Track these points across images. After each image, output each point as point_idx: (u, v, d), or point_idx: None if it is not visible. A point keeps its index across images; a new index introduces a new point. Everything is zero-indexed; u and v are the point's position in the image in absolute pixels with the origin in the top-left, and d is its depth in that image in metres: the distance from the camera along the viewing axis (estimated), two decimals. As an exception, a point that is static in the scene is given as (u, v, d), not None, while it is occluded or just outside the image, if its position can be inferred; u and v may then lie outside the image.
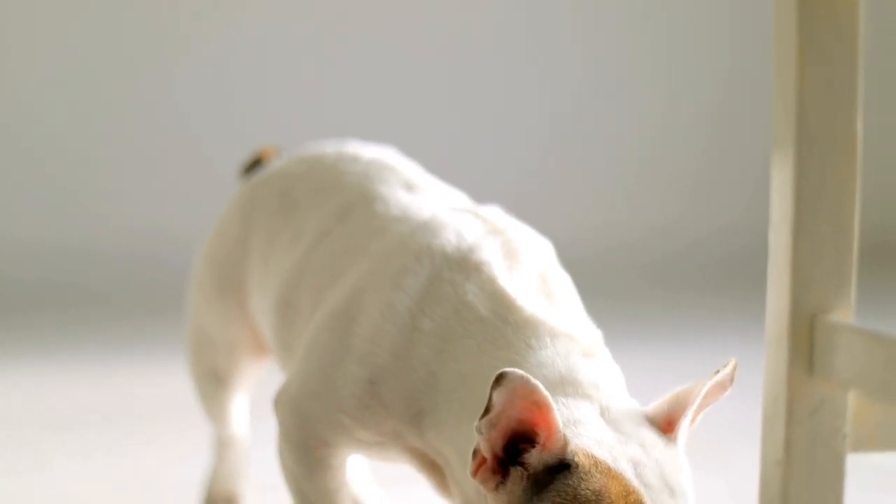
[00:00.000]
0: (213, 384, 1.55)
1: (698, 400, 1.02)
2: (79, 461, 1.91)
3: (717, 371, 1.02)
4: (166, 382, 2.42)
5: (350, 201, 1.32)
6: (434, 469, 1.18)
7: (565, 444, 0.98)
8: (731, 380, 1.03)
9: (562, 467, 0.98)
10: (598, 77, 4.48)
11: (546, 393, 0.97)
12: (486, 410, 0.98)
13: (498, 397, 0.97)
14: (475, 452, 1.01)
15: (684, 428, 1.04)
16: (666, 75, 4.51)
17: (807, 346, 0.95)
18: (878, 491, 1.82)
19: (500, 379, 0.96)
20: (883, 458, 1.93)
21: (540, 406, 0.97)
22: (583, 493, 0.98)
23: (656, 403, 1.06)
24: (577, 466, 0.98)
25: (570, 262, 1.31)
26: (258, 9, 4.20)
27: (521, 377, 0.97)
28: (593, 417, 1.02)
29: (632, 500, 0.98)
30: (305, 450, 1.19)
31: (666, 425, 1.04)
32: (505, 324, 1.10)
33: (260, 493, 1.71)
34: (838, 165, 0.95)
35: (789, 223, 0.94)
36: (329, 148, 1.48)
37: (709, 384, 1.01)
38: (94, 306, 3.31)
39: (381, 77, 4.21)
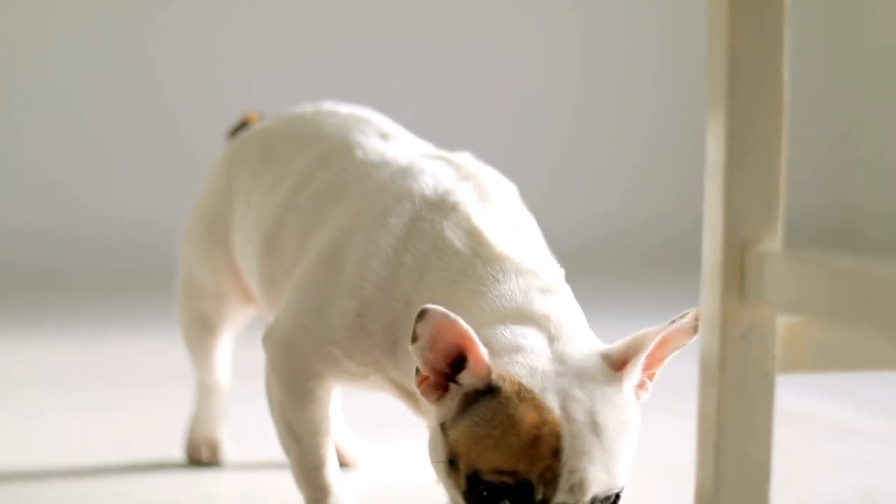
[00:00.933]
0: (200, 330, 1.64)
1: (652, 344, 1.11)
2: (73, 415, 2.00)
3: (674, 321, 1.10)
4: (155, 350, 2.54)
5: (330, 149, 1.42)
6: (411, 396, 1.27)
7: (489, 372, 1.08)
8: (695, 329, 1.11)
9: (488, 391, 1.07)
10: (595, 68, 4.55)
11: (465, 325, 1.07)
12: (413, 339, 1.07)
13: (421, 329, 1.07)
14: (418, 370, 1.11)
15: (635, 368, 1.12)
16: (660, 68, 4.56)
17: (738, 274, 1.03)
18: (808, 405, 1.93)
19: (422, 314, 1.08)
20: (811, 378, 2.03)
21: (463, 337, 1.07)
22: (499, 416, 1.07)
23: (617, 343, 1.15)
24: (499, 392, 1.07)
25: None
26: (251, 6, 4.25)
27: (442, 313, 1.07)
28: (538, 347, 1.11)
29: (546, 430, 1.06)
30: (295, 382, 1.29)
31: (620, 364, 1.12)
32: (477, 258, 1.20)
33: (240, 441, 1.80)
34: (767, 112, 1.03)
35: (722, 164, 1.03)
36: (308, 107, 1.57)
37: (666, 330, 1.10)
38: (92, 287, 3.53)
39: (375, 70, 4.27)
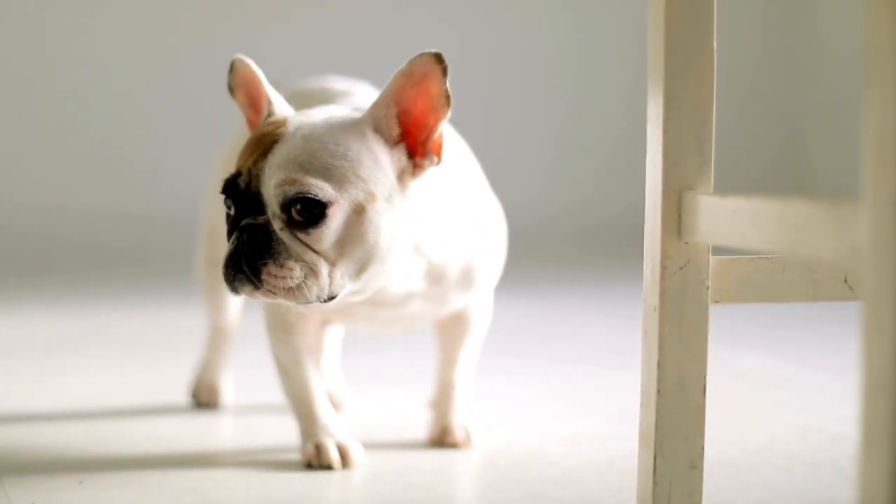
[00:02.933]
0: (214, 272, 1.81)
1: (387, 96, 1.32)
2: (91, 371, 2.19)
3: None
4: (163, 318, 2.82)
5: None
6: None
7: (270, 102, 1.36)
8: (427, 72, 1.28)
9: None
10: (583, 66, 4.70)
11: (258, 71, 1.36)
12: (231, 92, 1.38)
13: (233, 81, 1.38)
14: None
15: (374, 112, 1.33)
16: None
17: (675, 215, 1.20)
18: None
19: (231, 66, 1.38)
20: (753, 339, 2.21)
21: (256, 81, 1.37)
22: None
23: None
24: (270, 114, 1.36)
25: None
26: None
27: (242, 61, 1.38)
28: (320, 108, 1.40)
29: (260, 139, 1.33)
30: (275, 318, 1.46)
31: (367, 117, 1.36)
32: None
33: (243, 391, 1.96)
34: (698, 72, 1.20)
35: (660, 119, 1.19)
36: (310, 83, 1.75)
37: (395, 80, 1.30)
38: (101, 262, 3.82)
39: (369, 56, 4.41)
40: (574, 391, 2.07)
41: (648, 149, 1.22)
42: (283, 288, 1.26)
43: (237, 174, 1.30)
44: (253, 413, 1.84)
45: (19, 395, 1.96)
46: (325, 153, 1.28)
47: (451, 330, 1.59)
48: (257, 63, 1.36)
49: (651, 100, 1.21)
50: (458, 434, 1.59)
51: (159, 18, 4.38)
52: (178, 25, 4.40)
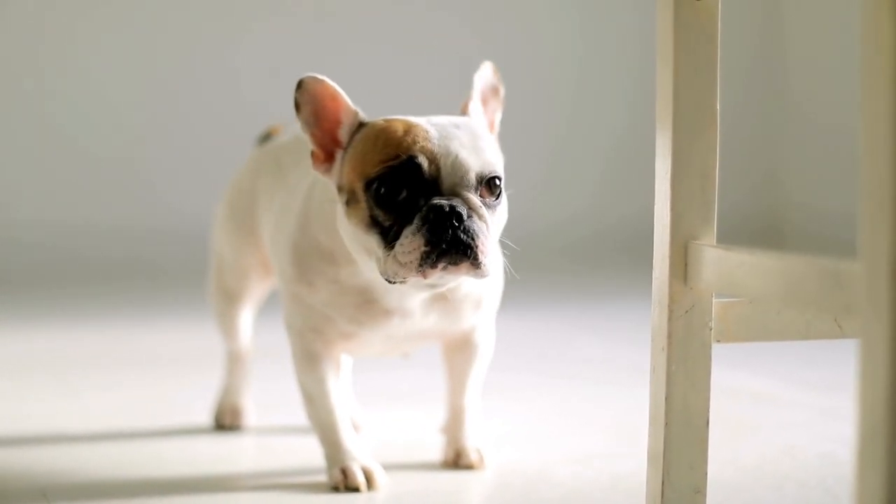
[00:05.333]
0: (225, 300, 1.92)
1: (474, 93, 1.49)
2: (111, 390, 2.28)
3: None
4: (185, 336, 2.94)
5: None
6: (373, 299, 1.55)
7: (355, 113, 1.42)
8: (495, 80, 1.51)
9: (358, 130, 1.44)
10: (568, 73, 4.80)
11: (333, 84, 1.41)
12: (296, 109, 1.42)
13: (301, 98, 1.42)
14: (313, 154, 1.45)
15: (473, 107, 1.49)
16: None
17: (682, 263, 1.31)
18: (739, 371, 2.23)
19: (299, 85, 1.42)
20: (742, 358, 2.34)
21: (333, 96, 1.42)
22: (372, 131, 1.42)
23: None
24: (367, 122, 1.43)
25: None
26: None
27: (314, 78, 1.42)
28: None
29: (414, 126, 1.40)
30: (301, 348, 1.58)
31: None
32: None
33: (262, 410, 2.07)
34: (703, 133, 1.31)
35: (668, 175, 1.30)
36: None
37: (477, 82, 1.49)
38: (120, 278, 3.98)
39: (368, 72, 4.50)
40: (574, 408, 2.19)
41: (656, 201, 1.33)
42: (486, 263, 1.36)
43: (412, 160, 1.36)
44: (275, 434, 1.94)
45: (50, 414, 2.06)
46: (485, 142, 1.43)
47: (459, 357, 1.70)
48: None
49: (659, 156, 1.32)
50: (472, 456, 1.70)
51: (162, 31, 4.46)
52: (178, 38, 4.47)
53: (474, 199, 1.37)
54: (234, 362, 2.00)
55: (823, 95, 4.74)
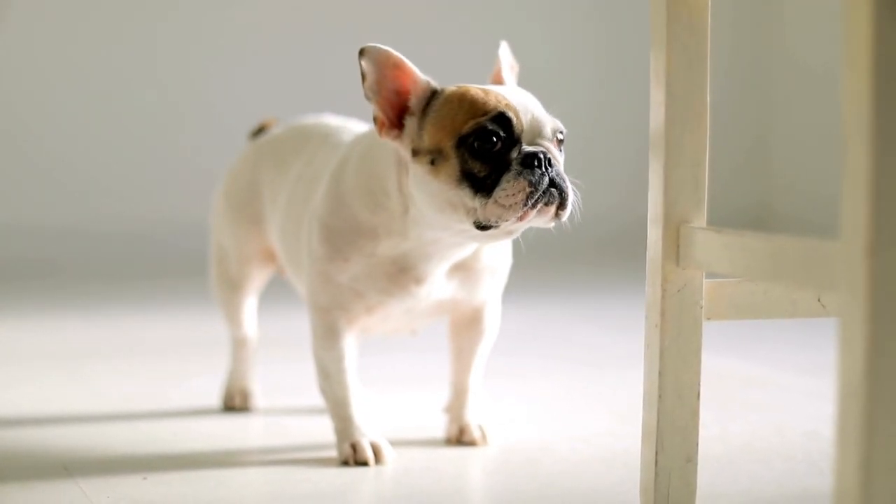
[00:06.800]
0: (228, 289, 2.00)
1: (503, 63, 1.64)
2: (124, 376, 2.37)
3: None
4: (191, 325, 3.05)
5: (314, 151, 1.80)
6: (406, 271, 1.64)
7: (427, 82, 1.52)
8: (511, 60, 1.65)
9: (433, 97, 1.52)
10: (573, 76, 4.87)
11: (397, 53, 1.49)
12: (363, 78, 1.49)
13: (366, 65, 1.49)
14: (375, 119, 1.52)
15: (507, 77, 1.64)
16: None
17: (674, 245, 1.39)
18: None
19: (362, 52, 1.49)
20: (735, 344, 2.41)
21: (398, 66, 1.50)
22: (453, 96, 1.52)
23: None
24: (443, 90, 1.52)
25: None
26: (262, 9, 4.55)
27: (377, 47, 1.49)
28: None
29: (494, 91, 1.52)
30: (322, 322, 1.65)
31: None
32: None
33: (269, 394, 2.14)
34: (694, 123, 1.39)
35: (661, 161, 1.38)
36: (308, 120, 1.95)
37: (502, 56, 1.63)
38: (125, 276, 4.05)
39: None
40: (575, 391, 2.27)
41: (651, 187, 1.41)
42: (570, 207, 1.51)
43: (502, 115, 1.48)
44: (284, 415, 2.02)
45: (68, 398, 2.14)
46: (541, 106, 1.56)
47: (466, 336, 1.78)
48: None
49: (653, 144, 1.41)
50: (474, 433, 1.78)
51: (158, 34, 4.52)
52: (172, 39, 4.54)
53: (554, 149, 1.51)
54: (240, 348, 2.07)
55: (810, 87, 4.89)
